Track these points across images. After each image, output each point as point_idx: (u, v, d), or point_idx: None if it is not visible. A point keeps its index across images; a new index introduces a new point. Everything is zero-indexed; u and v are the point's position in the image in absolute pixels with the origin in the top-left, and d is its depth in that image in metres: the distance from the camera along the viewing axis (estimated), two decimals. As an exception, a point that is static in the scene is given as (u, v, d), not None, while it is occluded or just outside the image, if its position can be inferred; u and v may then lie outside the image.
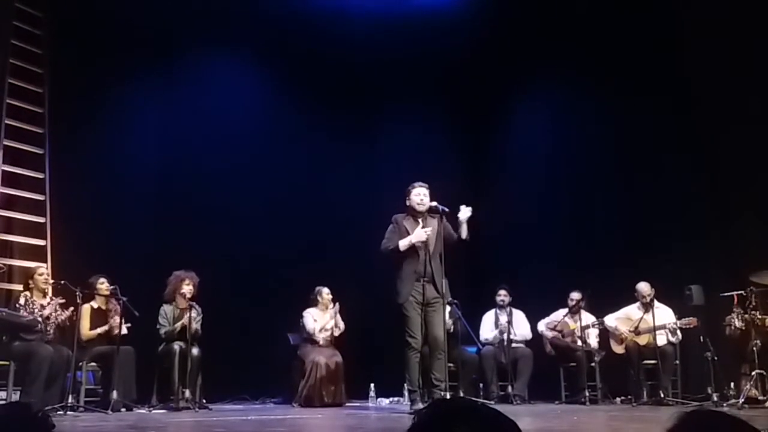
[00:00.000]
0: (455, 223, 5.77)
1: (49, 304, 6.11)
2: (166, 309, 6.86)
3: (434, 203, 5.75)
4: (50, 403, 5.62)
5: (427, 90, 9.42)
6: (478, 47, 9.22)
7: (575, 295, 7.56)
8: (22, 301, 6.08)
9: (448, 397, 5.33)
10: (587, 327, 7.43)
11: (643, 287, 7.13)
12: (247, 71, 9.09)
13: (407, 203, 5.82)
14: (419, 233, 5.60)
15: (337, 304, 7.42)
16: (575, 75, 8.56)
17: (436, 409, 1.30)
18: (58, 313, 6.10)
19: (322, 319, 7.38)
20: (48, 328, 6.03)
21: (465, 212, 5.70)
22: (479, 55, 9.29)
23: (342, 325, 7.44)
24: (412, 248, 5.65)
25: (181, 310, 6.81)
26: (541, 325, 7.81)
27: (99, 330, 6.52)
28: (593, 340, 7.52)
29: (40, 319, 5.98)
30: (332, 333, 7.39)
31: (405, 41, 9.23)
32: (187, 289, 6.78)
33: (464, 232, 5.73)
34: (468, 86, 9.43)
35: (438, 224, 5.75)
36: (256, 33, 8.74)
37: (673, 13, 7.76)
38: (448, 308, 6.26)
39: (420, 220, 5.72)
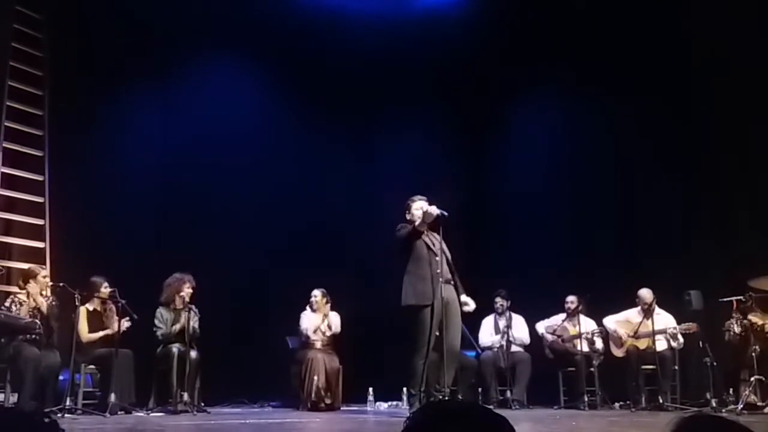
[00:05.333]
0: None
1: (46, 298, 6.09)
2: (163, 311, 6.85)
3: (433, 207, 5.67)
4: (46, 405, 5.62)
5: (427, 94, 9.42)
6: (478, 52, 9.23)
7: (571, 299, 7.57)
8: (7, 302, 6.07)
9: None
10: (593, 332, 7.43)
11: (645, 294, 7.12)
12: (247, 75, 9.09)
13: (407, 217, 5.75)
14: (431, 208, 5.51)
15: (328, 305, 7.40)
16: (575, 79, 8.58)
17: (427, 410, 1.30)
18: (53, 303, 6.09)
19: (315, 320, 7.37)
20: (49, 323, 6.01)
21: (469, 307, 5.72)
22: (479, 60, 9.30)
23: (335, 326, 7.37)
24: (425, 251, 5.58)
25: (178, 312, 6.80)
26: (540, 327, 7.80)
27: (101, 333, 6.50)
28: (598, 342, 7.52)
29: (38, 321, 5.98)
30: (325, 333, 7.37)
31: (405, 45, 9.24)
32: (187, 291, 6.78)
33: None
34: (467, 91, 9.43)
35: (442, 230, 5.70)
36: (256, 37, 8.74)
37: (674, 17, 7.77)
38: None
39: (426, 230, 5.65)
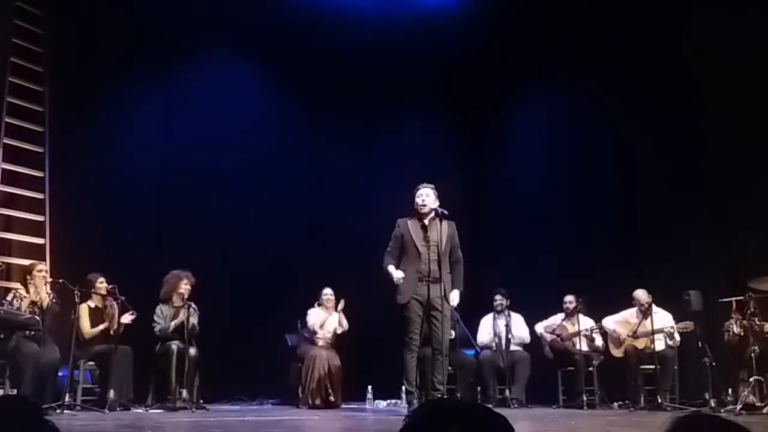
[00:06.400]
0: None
1: (48, 295, 6.10)
2: (163, 308, 6.84)
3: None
4: (45, 401, 5.62)
5: (427, 92, 9.42)
6: (479, 49, 9.22)
7: (569, 299, 7.58)
8: (9, 297, 6.08)
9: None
10: (593, 330, 7.44)
11: (641, 295, 7.12)
12: (248, 72, 9.08)
13: (414, 206, 5.78)
14: (397, 276, 5.56)
15: (342, 302, 7.39)
16: (575, 78, 8.57)
17: (427, 408, 1.30)
18: (53, 301, 6.09)
19: (322, 317, 7.37)
20: (45, 319, 6.02)
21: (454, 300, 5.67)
22: (479, 57, 9.29)
23: (345, 323, 7.41)
24: (412, 248, 5.61)
25: (177, 309, 6.80)
26: (539, 327, 7.81)
27: (101, 327, 6.48)
28: (598, 339, 7.53)
29: (38, 317, 5.98)
30: (334, 332, 7.38)
31: (405, 43, 9.24)
32: (185, 288, 6.78)
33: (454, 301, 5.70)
34: (468, 88, 9.41)
35: (447, 228, 5.70)
36: (257, 33, 8.75)
37: (676, 17, 7.76)
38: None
39: (426, 222, 5.67)
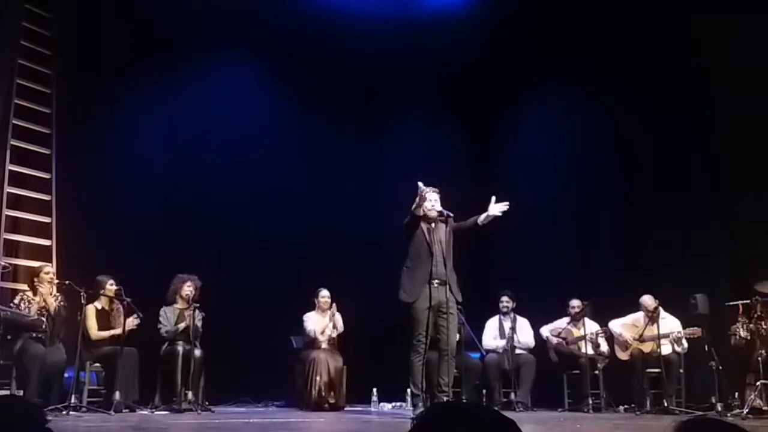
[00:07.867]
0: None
1: (55, 298, 6.12)
2: (167, 310, 6.86)
3: (439, 208, 5.73)
4: (51, 402, 5.65)
5: (433, 93, 9.42)
6: (485, 50, 9.21)
7: (575, 303, 7.55)
8: (17, 300, 6.10)
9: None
10: (597, 333, 7.42)
11: (647, 300, 7.09)
12: (252, 73, 9.11)
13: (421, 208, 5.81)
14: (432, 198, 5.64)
15: (334, 305, 7.40)
16: (581, 81, 8.56)
17: (436, 411, 1.30)
18: (61, 304, 6.12)
19: (321, 322, 7.37)
20: (54, 323, 6.04)
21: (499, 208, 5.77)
22: (485, 59, 9.28)
23: (340, 325, 7.39)
24: (425, 249, 5.63)
25: (182, 311, 6.81)
26: (545, 331, 7.79)
27: (110, 332, 6.50)
28: (603, 344, 7.51)
29: (44, 319, 6.00)
30: (331, 335, 7.38)
31: (412, 44, 9.23)
32: (188, 290, 6.80)
33: (482, 219, 5.79)
34: (473, 90, 9.41)
35: (448, 229, 5.72)
36: (262, 35, 8.76)
37: (680, 18, 7.74)
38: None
39: (433, 225, 5.72)
